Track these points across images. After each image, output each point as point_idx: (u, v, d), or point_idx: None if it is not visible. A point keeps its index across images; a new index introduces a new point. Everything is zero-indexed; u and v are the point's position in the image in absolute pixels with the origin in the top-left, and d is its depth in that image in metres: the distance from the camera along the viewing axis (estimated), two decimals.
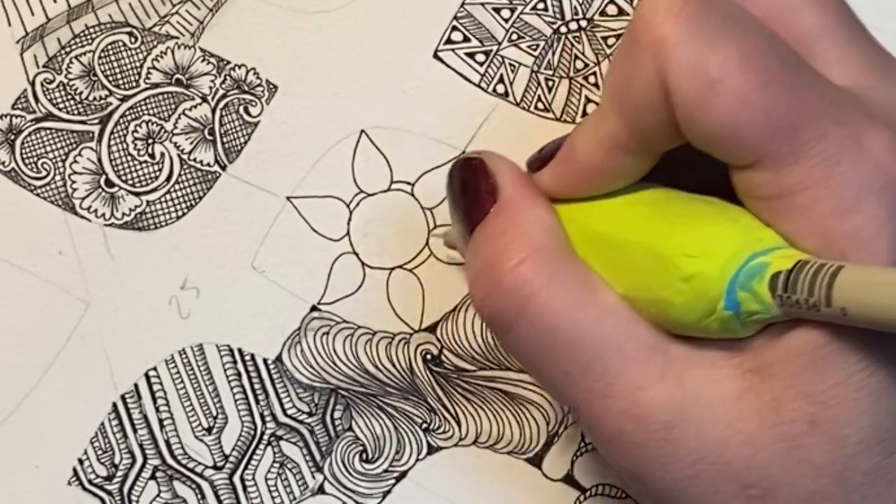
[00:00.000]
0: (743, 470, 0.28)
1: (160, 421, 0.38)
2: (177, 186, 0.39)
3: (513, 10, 0.40)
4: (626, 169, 0.30)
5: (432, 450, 0.38)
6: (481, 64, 0.39)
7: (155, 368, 0.38)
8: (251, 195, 0.39)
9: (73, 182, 0.39)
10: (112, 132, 0.39)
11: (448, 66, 0.39)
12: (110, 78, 0.39)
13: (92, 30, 0.39)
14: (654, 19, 0.27)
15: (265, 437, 0.38)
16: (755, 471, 0.27)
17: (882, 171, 0.27)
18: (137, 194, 0.39)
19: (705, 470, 0.28)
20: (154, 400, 0.38)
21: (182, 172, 0.39)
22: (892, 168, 0.27)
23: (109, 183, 0.39)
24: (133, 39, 0.39)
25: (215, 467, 0.38)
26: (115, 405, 0.38)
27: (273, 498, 0.38)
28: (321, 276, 0.39)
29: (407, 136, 0.39)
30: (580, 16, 0.40)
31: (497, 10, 0.40)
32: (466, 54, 0.39)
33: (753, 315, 0.27)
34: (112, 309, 0.38)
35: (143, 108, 0.39)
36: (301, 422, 0.38)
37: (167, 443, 0.38)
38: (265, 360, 0.38)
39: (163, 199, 0.39)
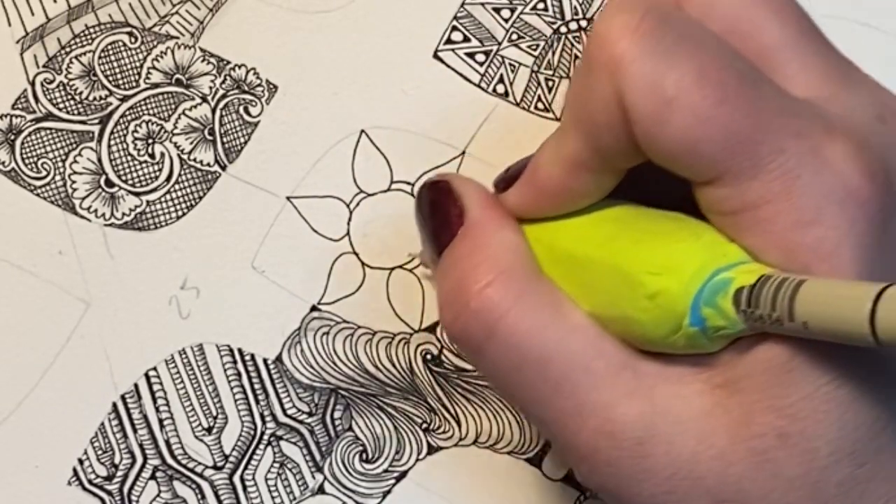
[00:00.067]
0: (716, 485, 0.28)
1: (160, 421, 0.38)
2: (177, 186, 0.39)
3: (513, 10, 0.40)
4: (590, 187, 0.30)
5: (432, 450, 0.38)
6: (481, 64, 0.39)
7: (155, 368, 0.38)
8: (251, 195, 0.39)
9: (73, 182, 0.39)
10: (112, 132, 0.39)
11: (448, 66, 0.39)
12: (110, 78, 0.39)
13: (92, 30, 0.39)
14: (609, 37, 0.27)
15: (265, 437, 0.38)
16: (728, 485, 0.28)
17: (843, 183, 0.27)
18: (137, 194, 0.39)
19: (678, 485, 0.28)
20: (154, 400, 0.38)
21: (182, 172, 0.39)
22: (853, 179, 0.27)
23: (109, 183, 0.39)
24: (133, 39, 0.39)
25: (215, 467, 0.38)
26: (115, 405, 0.38)
27: (273, 498, 0.38)
28: (321, 276, 0.39)
29: (407, 136, 0.39)
30: (580, 16, 0.40)
31: (497, 10, 0.40)
32: (466, 54, 0.39)
33: (719, 330, 0.27)
34: (112, 309, 0.38)
35: (143, 108, 0.39)
36: (301, 422, 0.38)
37: (167, 443, 0.38)
38: (265, 360, 0.38)
39: (163, 199, 0.39)
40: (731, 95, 0.27)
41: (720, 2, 0.30)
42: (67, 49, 0.39)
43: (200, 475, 0.38)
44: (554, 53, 0.40)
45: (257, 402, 0.38)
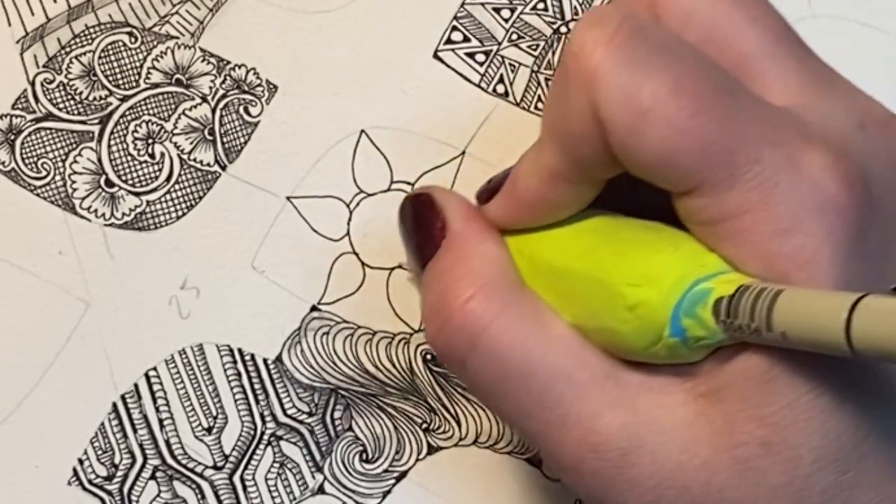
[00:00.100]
0: (701, 494, 0.28)
1: (160, 421, 0.38)
2: (177, 186, 0.39)
3: (513, 10, 0.40)
4: (569, 199, 0.30)
5: (432, 450, 0.38)
6: (481, 64, 0.39)
7: (155, 368, 0.38)
8: (251, 195, 0.39)
9: (73, 182, 0.39)
10: (112, 132, 0.39)
11: (448, 66, 0.39)
12: (110, 78, 0.39)
13: (92, 30, 0.39)
14: (584, 49, 0.28)
15: (265, 437, 0.38)
16: (713, 494, 0.28)
17: (820, 191, 0.27)
18: (137, 194, 0.39)
19: (664, 495, 0.28)
20: (154, 400, 0.38)
21: (182, 172, 0.39)
22: (831, 187, 0.27)
23: (109, 183, 0.39)
24: (133, 39, 0.39)
25: (215, 467, 0.38)
26: (115, 405, 0.38)
27: (273, 498, 0.38)
28: (321, 276, 0.39)
29: (407, 136, 0.39)
30: (580, 16, 0.40)
31: (497, 10, 0.40)
32: (466, 54, 0.39)
33: (700, 340, 0.27)
34: (112, 309, 0.38)
35: (143, 108, 0.39)
36: (301, 422, 0.38)
37: (167, 443, 0.38)
38: (265, 360, 0.38)
39: (163, 199, 0.39)
40: (706, 106, 0.27)
41: (698, 11, 0.30)
42: (67, 49, 0.39)
43: (200, 475, 0.38)
44: (554, 53, 0.40)
45: (257, 402, 0.38)
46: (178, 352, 0.38)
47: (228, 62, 0.39)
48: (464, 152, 0.39)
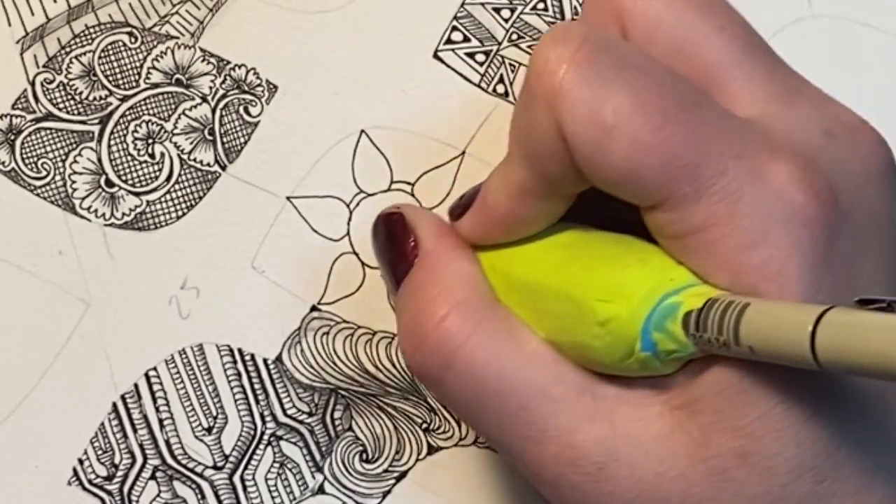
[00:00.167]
0: None
1: (160, 421, 0.38)
2: (177, 186, 0.39)
3: (513, 10, 0.40)
4: (539, 214, 0.30)
5: (432, 450, 0.38)
6: (481, 64, 0.39)
7: (155, 368, 0.38)
8: (251, 195, 0.39)
9: (73, 182, 0.39)
10: (112, 132, 0.39)
11: (448, 66, 0.39)
12: (110, 78, 0.39)
13: (92, 30, 0.39)
14: (547, 67, 0.28)
15: (265, 437, 0.38)
16: None
17: (786, 202, 0.27)
18: (137, 194, 0.39)
19: None
20: (154, 400, 0.38)
21: (182, 172, 0.39)
22: (797, 198, 0.27)
23: (109, 183, 0.39)
24: (133, 39, 0.39)
25: (215, 467, 0.38)
26: (115, 405, 0.38)
27: (273, 498, 0.38)
28: (321, 276, 0.39)
29: (407, 136, 0.39)
30: (580, 16, 0.40)
31: (497, 10, 0.40)
32: (466, 54, 0.39)
33: (671, 354, 0.28)
34: (112, 309, 0.38)
35: (143, 108, 0.39)
36: (301, 422, 0.38)
37: (167, 443, 0.38)
38: (265, 360, 0.38)
39: (163, 199, 0.39)
40: (670, 121, 0.27)
41: (664, 22, 0.30)
42: (67, 49, 0.39)
43: (200, 475, 0.38)
44: None
45: (257, 402, 0.38)
46: (178, 352, 0.38)
47: (228, 62, 0.39)
48: (464, 152, 0.39)
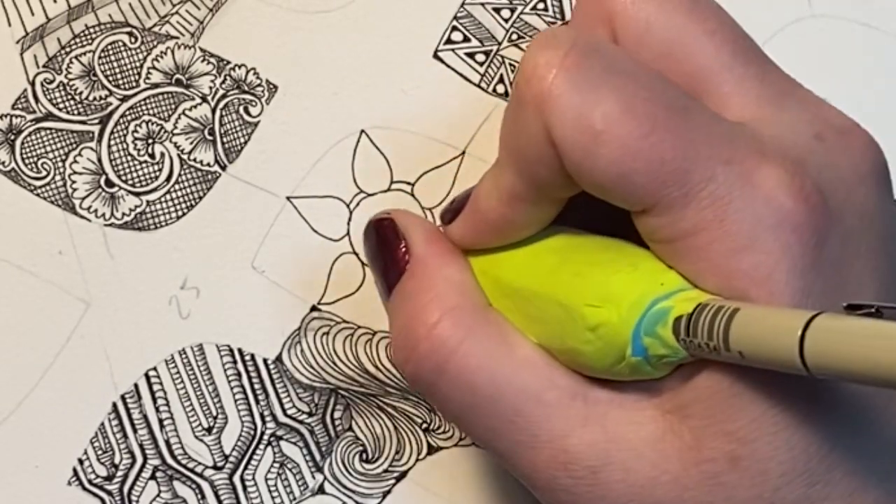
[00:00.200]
0: None
1: (160, 421, 0.38)
2: (177, 186, 0.39)
3: (513, 10, 0.40)
4: (529, 218, 0.30)
5: (432, 450, 0.38)
6: (481, 64, 0.39)
7: (155, 368, 0.38)
8: (251, 195, 0.39)
9: (73, 182, 0.39)
10: (112, 132, 0.39)
11: (448, 66, 0.39)
12: (110, 78, 0.39)
13: (92, 30, 0.39)
14: (535, 73, 0.28)
15: (265, 437, 0.38)
16: None
17: (775, 207, 0.27)
18: (137, 194, 0.39)
19: None
20: (154, 400, 0.38)
21: (182, 172, 0.39)
22: (786, 203, 0.27)
23: (109, 183, 0.39)
24: (133, 39, 0.39)
25: (215, 467, 0.38)
26: (115, 405, 0.38)
27: (273, 498, 0.38)
28: (321, 276, 0.39)
29: (407, 136, 0.39)
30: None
31: (497, 10, 0.40)
32: (466, 54, 0.39)
33: (662, 358, 0.28)
34: (112, 309, 0.38)
35: (143, 108, 0.39)
36: (301, 422, 0.38)
37: (167, 443, 0.38)
38: (265, 360, 0.38)
39: (163, 199, 0.39)
40: (658, 126, 0.27)
41: (655, 26, 0.30)
42: (67, 49, 0.39)
43: (200, 475, 0.38)
44: None
45: (257, 402, 0.38)
46: (178, 352, 0.38)
47: (228, 62, 0.39)
48: (464, 152, 0.39)
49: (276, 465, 0.38)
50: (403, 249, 0.32)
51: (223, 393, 0.38)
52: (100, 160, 0.39)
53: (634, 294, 0.28)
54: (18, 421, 0.38)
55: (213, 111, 0.39)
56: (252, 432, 0.38)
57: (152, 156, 0.39)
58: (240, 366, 0.38)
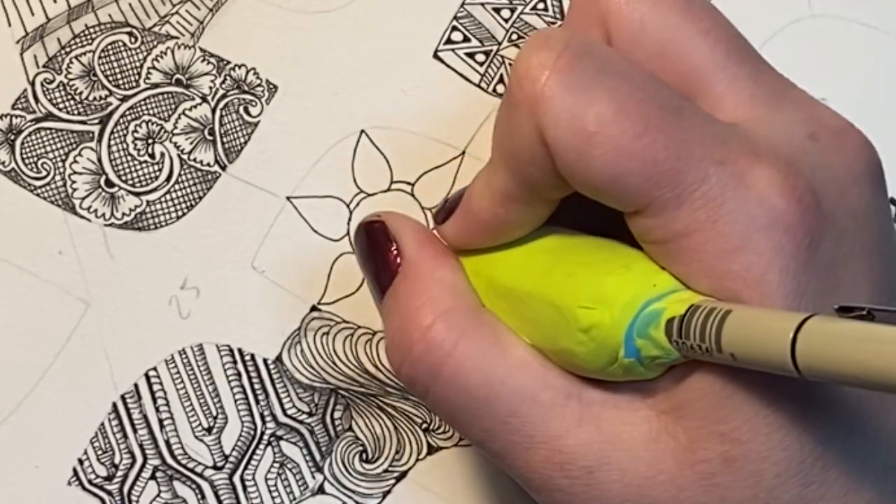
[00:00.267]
0: None
1: (160, 421, 0.38)
2: (177, 186, 0.39)
3: (513, 10, 0.40)
4: (522, 218, 0.31)
5: (432, 450, 0.38)
6: (481, 64, 0.39)
7: (155, 368, 0.38)
8: (251, 195, 0.39)
9: (73, 182, 0.39)
10: (112, 132, 0.39)
11: (448, 66, 0.39)
12: (110, 78, 0.39)
13: (92, 30, 0.39)
14: (528, 75, 0.28)
15: (265, 437, 0.38)
16: None
17: (768, 208, 0.27)
18: (137, 194, 0.39)
19: None
20: (154, 400, 0.38)
21: (182, 172, 0.39)
22: (779, 204, 0.27)
23: (109, 183, 0.39)
24: (133, 39, 0.39)
25: (215, 467, 0.38)
26: (115, 405, 0.38)
27: (273, 498, 0.38)
28: (321, 276, 0.39)
29: (407, 136, 0.39)
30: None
31: (497, 10, 0.40)
32: (466, 54, 0.39)
33: (655, 360, 0.28)
34: (112, 309, 0.38)
35: (143, 108, 0.39)
36: (301, 422, 0.38)
37: (167, 443, 0.38)
38: (265, 360, 0.38)
39: (163, 199, 0.39)
40: (651, 127, 0.27)
41: (649, 26, 0.30)
42: (67, 49, 0.39)
43: (200, 475, 0.38)
44: None
45: (257, 402, 0.38)
46: (178, 352, 0.38)
47: (228, 62, 0.39)
48: (464, 152, 0.39)
49: (276, 465, 0.38)
50: (395, 252, 0.32)
51: (223, 393, 0.38)
52: (100, 160, 0.39)
53: (627, 295, 0.28)
54: (18, 421, 0.38)
55: (213, 111, 0.39)
56: (252, 432, 0.38)
57: (152, 156, 0.39)
58: (240, 366, 0.38)
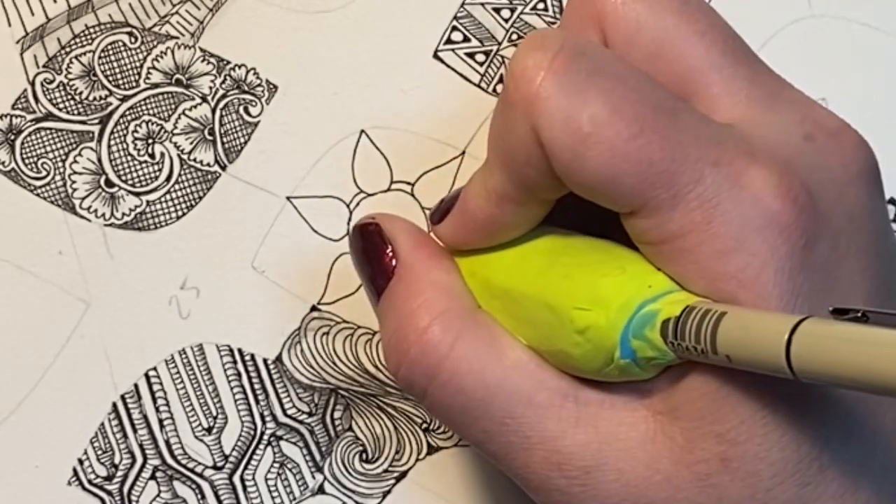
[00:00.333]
0: None
1: (160, 421, 0.38)
2: (177, 186, 0.39)
3: (513, 10, 0.40)
4: (518, 219, 0.31)
5: (432, 450, 0.38)
6: (481, 64, 0.39)
7: (155, 368, 0.38)
8: (251, 195, 0.39)
9: (73, 182, 0.39)
10: (112, 132, 0.39)
11: (448, 66, 0.39)
12: (110, 78, 0.39)
13: (92, 30, 0.39)
14: (523, 76, 0.28)
15: (265, 437, 0.38)
16: None
17: (762, 209, 0.27)
18: (137, 194, 0.39)
19: None
20: (154, 400, 0.38)
21: (182, 172, 0.39)
22: (774, 205, 0.27)
23: (109, 183, 0.39)
24: (133, 39, 0.39)
25: (215, 467, 0.38)
26: (115, 405, 0.38)
27: (273, 498, 0.38)
28: (321, 276, 0.39)
29: (407, 136, 0.39)
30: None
31: (497, 10, 0.40)
32: (466, 54, 0.39)
33: (651, 361, 0.28)
34: (112, 309, 0.38)
35: (143, 108, 0.39)
36: (301, 422, 0.38)
37: (167, 443, 0.38)
38: (265, 360, 0.38)
39: (163, 199, 0.39)
40: (646, 128, 0.27)
41: (645, 27, 0.30)
42: (67, 49, 0.39)
43: (200, 475, 0.38)
44: None
45: (257, 402, 0.38)
46: (178, 352, 0.38)
47: (228, 62, 0.39)
48: (464, 152, 0.39)
49: (276, 465, 0.38)
50: (390, 254, 0.32)
51: (223, 393, 0.38)
52: (100, 160, 0.39)
53: (622, 297, 0.28)
54: (18, 421, 0.38)
55: (213, 111, 0.39)
56: (252, 432, 0.38)
57: (152, 156, 0.39)
58: (240, 366, 0.38)
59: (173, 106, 0.39)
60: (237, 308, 0.38)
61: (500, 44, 0.39)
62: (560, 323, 0.29)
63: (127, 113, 0.39)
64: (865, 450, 0.28)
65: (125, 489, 0.38)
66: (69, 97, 0.39)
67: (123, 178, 0.39)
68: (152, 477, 0.38)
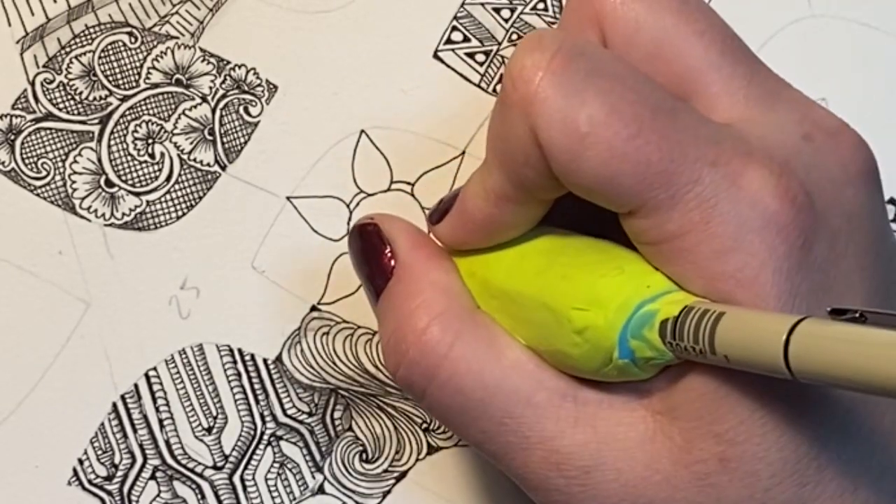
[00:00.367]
0: None
1: (160, 421, 0.38)
2: (177, 186, 0.39)
3: (513, 10, 0.40)
4: (517, 219, 0.31)
5: (432, 450, 0.38)
6: (481, 64, 0.39)
7: (155, 368, 0.38)
8: (251, 195, 0.39)
9: (73, 182, 0.39)
10: (112, 132, 0.39)
11: (448, 66, 0.39)
12: (110, 78, 0.39)
13: (92, 30, 0.39)
14: (522, 75, 0.28)
15: (265, 437, 0.38)
16: None
17: (761, 209, 0.27)
18: (137, 194, 0.39)
19: None
20: (154, 400, 0.38)
21: (182, 172, 0.39)
22: (772, 205, 0.27)
23: (109, 183, 0.39)
24: (133, 39, 0.39)
25: (215, 467, 0.38)
26: (115, 405, 0.38)
27: (273, 498, 0.38)
28: (321, 276, 0.39)
29: (407, 136, 0.39)
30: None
31: (497, 10, 0.40)
32: (466, 54, 0.39)
33: (650, 361, 0.28)
34: (112, 309, 0.38)
35: (143, 108, 0.39)
36: (301, 422, 0.38)
37: (167, 443, 0.38)
38: (265, 360, 0.38)
39: (163, 199, 0.39)
40: (644, 128, 0.27)
41: (644, 26, 0.30)
42: (67, 49, 0.39)
43: (200, 475, 0.38)
44: None
45: (257, 402, 0.38)
46: (178, 352, 0.38)
47: (228, 62, 0.39)
48: (464, 152, 0.39)
49: (276, 465, 0.38)
50: (389, 254, 0.32)
51: (223, 393, 0.38)
52: (100, 160, 0.39)
53: (621, 297, 0.28)
54: (18, 421, 0.38)
55: (213, 111, 0.39)
56: (252, 432, 0.38)
57: (152, 156, 0.39)
58: (240, 366, 0.38)
59: (173, 106, 0.39)
60: (237, 308, 0.38)
61: (500, 44, 0.39)
62: (558, 323, 0.29)
63: (127, 113, 0.39)
64: (864, 450, 0.28)
65: (125, 489, 0.38)
66: (69, 97, 0.39)
67: (123, 178, 0.39)
68: (152, 477, 0.38)
